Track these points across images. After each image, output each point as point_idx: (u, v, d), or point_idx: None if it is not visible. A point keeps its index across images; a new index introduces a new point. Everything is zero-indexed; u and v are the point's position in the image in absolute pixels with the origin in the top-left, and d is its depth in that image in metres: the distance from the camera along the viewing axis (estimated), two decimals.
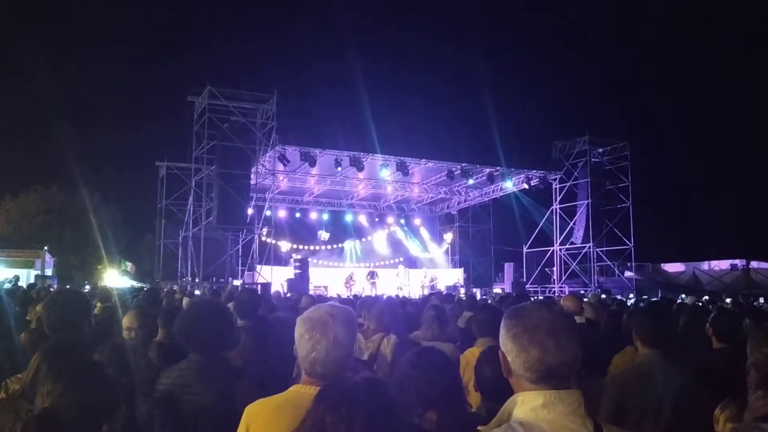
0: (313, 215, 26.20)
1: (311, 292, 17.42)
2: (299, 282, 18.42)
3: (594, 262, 23.28)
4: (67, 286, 15.53)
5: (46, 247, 23.05)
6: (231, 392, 2.40)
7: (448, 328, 5.02)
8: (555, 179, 23.86)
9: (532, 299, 7.67)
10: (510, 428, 1.43)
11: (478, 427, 1.52)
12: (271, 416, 1.87)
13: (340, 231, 27.08)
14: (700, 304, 9.44)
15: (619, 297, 14.77)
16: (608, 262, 23.65)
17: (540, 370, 1.45)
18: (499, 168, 21.95)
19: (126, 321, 3.62)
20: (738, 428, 1.89)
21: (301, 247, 24.88)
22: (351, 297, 13.87)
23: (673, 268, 29.24)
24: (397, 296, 14.97)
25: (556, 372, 1.45)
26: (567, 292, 18.85)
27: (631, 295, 18.56)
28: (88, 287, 16.40)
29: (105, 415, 1.67)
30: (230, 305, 4.22)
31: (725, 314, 3.95)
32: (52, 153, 38.16)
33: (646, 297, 15.72)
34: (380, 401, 1.26)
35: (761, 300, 15.03)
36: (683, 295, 16.56)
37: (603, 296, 13.20)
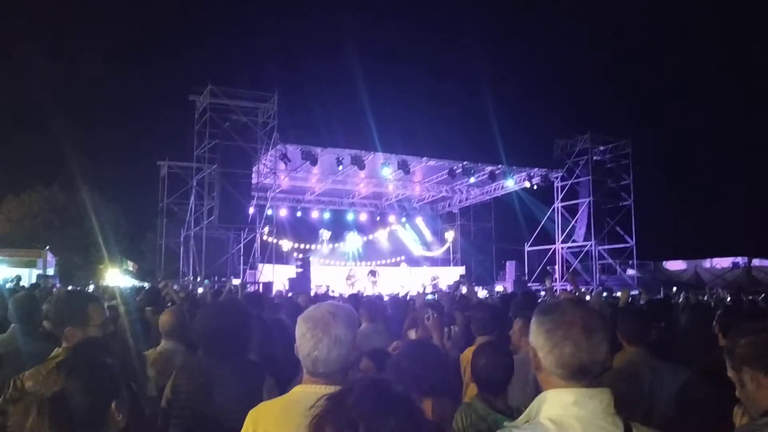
0: (315, 214, 26.22)
1: (313, 291, 17.45)
2: (301, 281, 18.42)
3: (596, 260, 23.28)
4: (70, 287, 15.56)
5: (47, 247, 23.07)
6: (259, 394, 2.39)
7: (449, 327, 5.03)
8: (557, 177, 23.86)
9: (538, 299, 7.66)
10: (540, 425, 1.42)
11: (505, 423, 1.51)
12: (279, 416, 1.88)
13: (341, 230, 27.11)
14: (707, 298, 9.41)
15: (617, 294, 14.75)
16: (610, 261, 23.65)
17: (572, 366, 1.43)
18: (500, 166, 21.94)
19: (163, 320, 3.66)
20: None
21: (302, 246, 24.90)
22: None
23: (674, 266, 29.23)
24: (398, 294, 14.98)
25: (587, 370, 1.44)
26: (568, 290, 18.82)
27: (633, 292, 18.51)
28: (92, 287, 16.41)
29: (110, 395, 1.74)
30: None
31: (733, 311, 3.94)
32: (53, 152, 38.13)
33: (647, 298, 15.63)
34: (385, 399, 1.26)
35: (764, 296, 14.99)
36: (675, 288, 16.51)
37: (604, 294, 13.19)
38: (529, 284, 22.23)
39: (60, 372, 1.73)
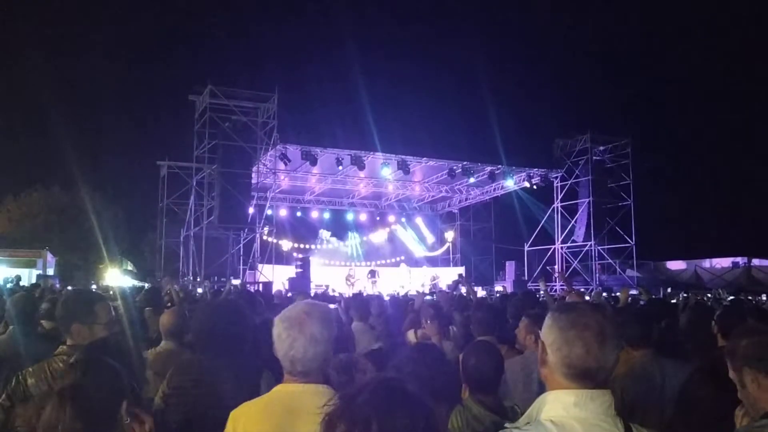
0: (315, 214, 26.21)
1: (313, 291, 17.45)
2: (301, 281, 18.42)
3: (595, 260, 23.27)
4: (70, 287, 15.54)
5: (47, 247, 23.06)
6: (256, 390, 2.40)
7: (448, 327, 5.04)
8: (556, 177, 23.85)
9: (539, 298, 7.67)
10: (541, 426, 1.42)
11: (506, 424, 1.50)
12: (260, 415, 1.90)
13: (341, 230, 27.11)
14: (706, 297, 9.41)
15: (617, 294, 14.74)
16: (610, 260, 23.65)
17: (578, 368, 1.43)
18: (500, 166, 21.94)
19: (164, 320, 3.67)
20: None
21: (302, 246, 24.91)
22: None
23: (674, 266, 29.22)
24: (398, 294, 14.98)
25: (592, 374, 1.43)
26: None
27: (632, 292, 18.50)
28: (94, 287, 16.45)
29: (121, 393, 1.79)
30: None
31: (731, 312, 3.93)
32: (54, 152, 38.29)
33: (648, 297, 15.64)
34: (396, 397, 1.25)
35: (763, 297, 15.03)
36: (669, 289, 16.51)
37: (604, 294, 13.18)
38: (528, 284, 22.25)
39: (75, 370, 1.78)
